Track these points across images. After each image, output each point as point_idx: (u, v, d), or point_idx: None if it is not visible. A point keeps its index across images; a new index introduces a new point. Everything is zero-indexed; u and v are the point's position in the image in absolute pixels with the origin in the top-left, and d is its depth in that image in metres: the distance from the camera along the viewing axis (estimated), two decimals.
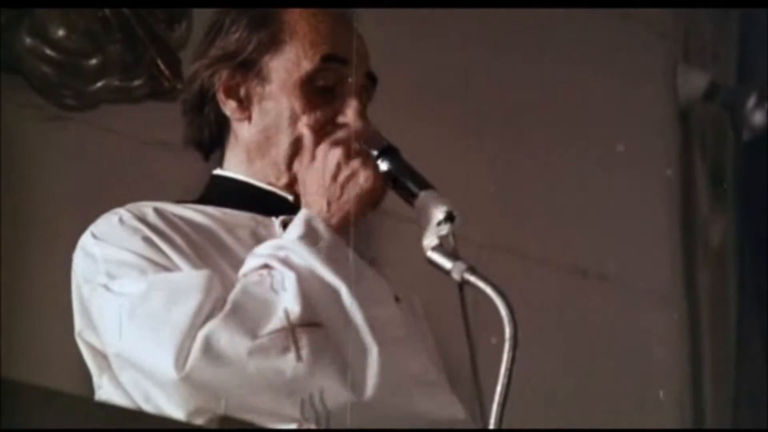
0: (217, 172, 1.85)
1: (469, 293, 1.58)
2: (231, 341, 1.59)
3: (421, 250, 1.63)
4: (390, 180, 1.72)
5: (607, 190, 3.18)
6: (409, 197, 1.69)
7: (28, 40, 2.35)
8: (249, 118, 1.82)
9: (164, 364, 1.59)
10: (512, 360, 1.50)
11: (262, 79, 1.81)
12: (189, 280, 1.65)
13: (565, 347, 2.96)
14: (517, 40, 3.04)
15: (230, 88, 1.82)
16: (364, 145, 1.74)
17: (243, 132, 1.82)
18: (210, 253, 1.72)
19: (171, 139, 2.30)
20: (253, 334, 1.60)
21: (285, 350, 1.59)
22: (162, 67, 2.45)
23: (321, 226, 1.69)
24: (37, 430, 1.16)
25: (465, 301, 1.58)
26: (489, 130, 2.97)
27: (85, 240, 1.73)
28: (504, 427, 1.48)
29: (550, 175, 3.07)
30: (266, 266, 1.66)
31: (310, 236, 1.68)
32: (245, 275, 1.67)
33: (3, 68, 2.33)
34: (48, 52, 2.37)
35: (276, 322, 1.61)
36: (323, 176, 1.73)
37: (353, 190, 1.71)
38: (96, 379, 1.72)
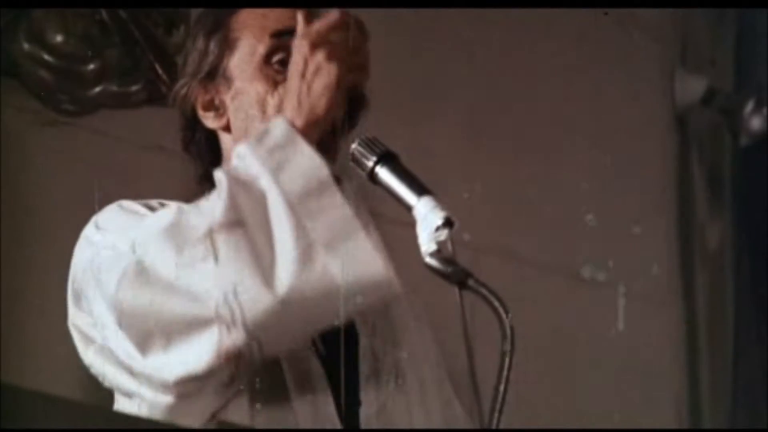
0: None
1: (467, 298, 1.59)
2: (160, 258, 1.63)
3: (419, 255, 1.63)
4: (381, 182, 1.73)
5: (605, 195, 3.18)
6: (408, 203, 1.70)
7: (25, 45, 2.35)
8: (228, 126, 1.85)
9: (110, 281, 1.65)
10: (510, 364, 1.50)
11: (228, 81, 1.84)
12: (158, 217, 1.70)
13: (563, 351, 2.96)
14: (515, 44, 3.04)
15: (206, 102, 1.86)
16: (361, 147, 1.74)
17: (226, 139, 1.85)
18: None
19: (169, 144, 2.31)
20: (180, 248, 1.63)
21: (204, 257, 1.61)
22: (160, 71, 2.45)
23: (279, 130, 1.69)
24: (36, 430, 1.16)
25: (463, 306, 1.58)
26: (486, 134, 2.97)
27: (88, 230, 1.77)
28: None
29: (547, 178, 3.07)
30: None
31: (263, 141, 1.68)
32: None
33: (1, 73, 2.33)
34: (46, 57, 2.37)
35: (200, 227, 1.63)
36: (294, 77, 1.73)
37: (320, 84, 1.71)
38: (82, 352, 1.75)
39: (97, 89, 2.41)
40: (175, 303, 1.62)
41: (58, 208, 2.25)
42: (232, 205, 1.63)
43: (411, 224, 1.67)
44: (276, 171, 1.64)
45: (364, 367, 1.80)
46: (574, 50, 3.15)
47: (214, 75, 1.84)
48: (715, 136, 3.56)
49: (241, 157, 1.69)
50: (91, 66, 2.41)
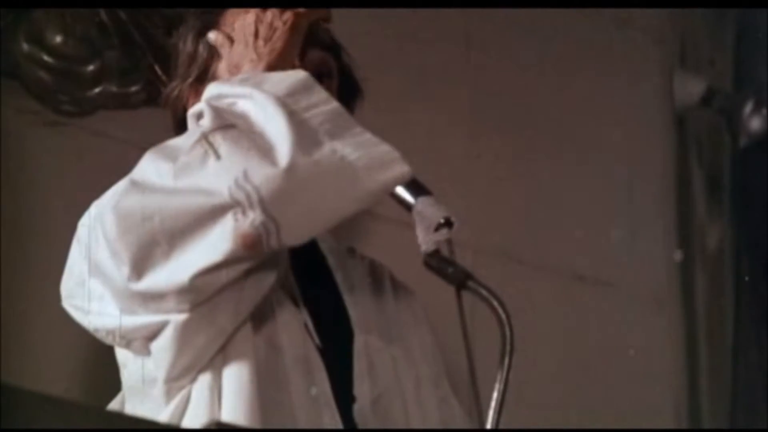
0: None
1: (467, 299, 1.59)
2: (156, 170, 1.61)
3: (418, 255, 1.63)
4: None
5: (604, 195, 3.18)
6: (407, 203, 1.70)
7: (25, 46, 2.36)
8: None
9: (107, 204, 1.64)
10: (509, 365, 1.50)
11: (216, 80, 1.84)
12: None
13: (562, 352, 2.96)
14: (514, 44, 3.04)
15: (195, 105, 1.85)
16: None
17: None
18: None
19: None
20: (174, 159, 1.61)
21: (204, 156, 1.59)
22: (159, 73, 2.45)
23: (243, 74, 1.71)
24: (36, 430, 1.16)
25: (462, 306, 1.58)
26: (486, 134, 2.97)
27: (85, 215, 1.75)
28: None
29: (547, 179, 3.07)
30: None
31: (231, 79, 1.71)
32: None
33: (1, 74, 2.33)
34: (45, 58, 2.37)
35: (191, 139, 1.62)
36: (245, 38, 1.76)
37: (278, 33, 1.75)
38: (88, 324, 1.72)
39: (97, 90, 2.41)
40: (182, 201, 1.58)
41: (57, 208, 2.25)
42: (219, 115, 1.63)
43: (410, 224, 1.67)
44: (256, 85, 1.65)
45: (358, 363, 1.80)
46: (573, 51, 3.15)
47: (203, 78, 1.85)
48: (715, 137, 3.56)
49: (214, 95, 1.68)
50: (91, 67, 2.41)
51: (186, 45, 1.88)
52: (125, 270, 1.60)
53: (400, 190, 1.70)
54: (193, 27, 1.89)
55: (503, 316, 1.52)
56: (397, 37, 2.75)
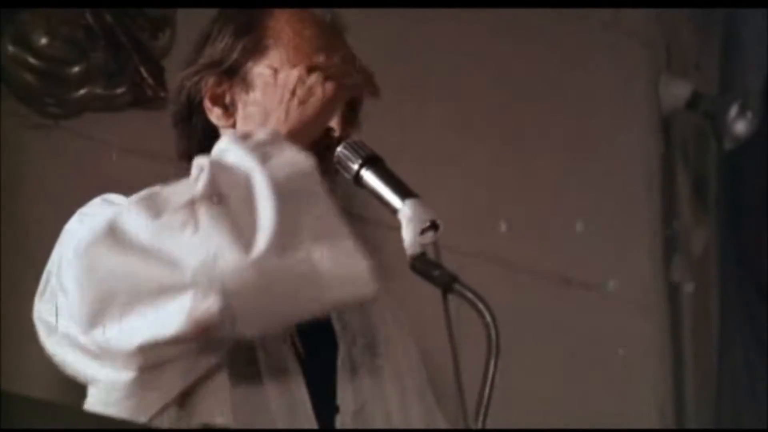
0: None
1: (453, 301, 1.59)
2: (135, 222, 1.59)
3: (404, 258, 1.63)
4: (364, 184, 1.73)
5: (591, 199, 3.19)
6: (393, 206, 1.69)
7: (10, 48, 2.35)
8: (233, 126, 1.83)
9: (74, 242, 1.61)
10: (495, 368, 1.50)
11: (247, 85, 1.82)
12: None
13: (548, 354, 2.96)
14: (501, 48, 3.05)
15: (216, 95, 1.83)
16: (346, 150, 1.74)
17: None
18: None
19: (154, 148, 2.30)
20: (157, 215, 1.59)
21: (184, 225, 1.58)
22: (145, 75, 2.45)
23: (263, 133, 1.69)
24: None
25: (448, 309, 1.58)
26: (473, 138, 2.97)
27: (71, 221, 1.74)
28: None
29: (534, 182, 3.08)
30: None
31: (246, 139, 1.68)
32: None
33: None
34: (30, 60, 2.36)
35: (179, 199, 1.60)
36: (282, 94, 1.75)
37: (314, 100, 1.74)
38: (48, 345, 1.70)
39: (82, 92, 2.41)
40: (147, 267, 1.56)
41: (42, 210, 2.24)
42: (214, 181, 1.61)
43: (396, 227, 1.67)
44: (261, 160, 1.63)
45: (342, 374, 1.79)
46: (560, 54, 3.15)
47: (233, 72, 1.83)
48: (700, 140, 3.57)
49: (224, 150, 1.67)
50: (76, 69, 2.41)
51: (222, 36, 1.84)
52: (82, 319, 1.61)
53: (387, 193, 1.70)
54: (235, 21, 1.86)
55: (489, 318, 1.52)
56: (388, 39, 2.74)
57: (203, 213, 1.57)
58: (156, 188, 1.64)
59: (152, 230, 1.58)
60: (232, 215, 1.58)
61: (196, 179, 1.63)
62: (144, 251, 1.57)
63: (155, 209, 1.60)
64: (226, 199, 1.60)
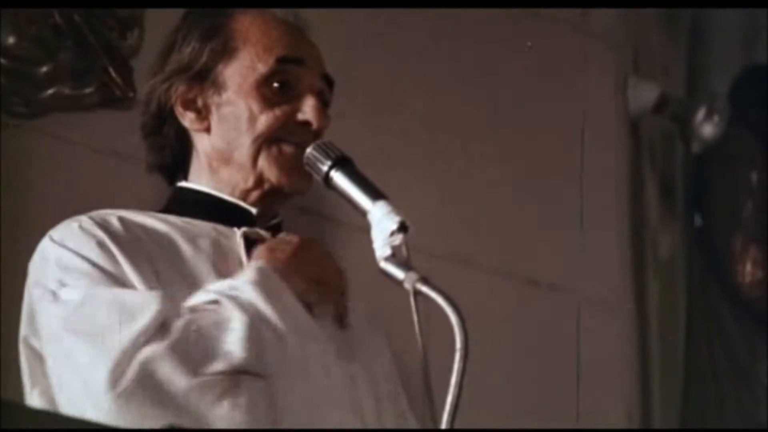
0: (182, 184, 1.86)
1: (422, 303, 1.59)
2: (172, 374, 1.58)
3: (374, 259, 1.63)
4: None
5: (558, 201, 3.20)
6: (362, 207, 1.70)
7: None
8: (208, 129, 1.83)
9: (98, 378, 1.58)
10: (463, 370, 1.50)
11: (218, 87, 1.82)
12: (141, 301, 1.64)
13: (516, 355, 2.97)
14: (469, 50, 3.05)
15: (187, 100, 1.83)
16: (316, 151, 1.75)
17: (203, 143, 1.83)
18: (166, 265, 1.71)
19: (123, 148, 2.30)
20: (194, 372, 1.59)
21: (223, 395, 1.59)
22: (114, 75, 2.44)
23: (274, 276, 1.70)
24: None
25: (418, 311, 1.58)
26: (440, 139, 2.98)
27: (43, 244, 1.73)
28: None
29: (502, 185, 3.09)
30: (215, 302, 1.66)
31: (263, 283, 1.68)
32: (194, 309, 1.65)
33: None
34: None
35: (218, 364, 1.60)
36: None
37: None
38: (27, 389, 1.71)
39: (50, 92, 2.40)
40: (179, 419, 1.56)
41: (9, 211, 2.23)
42: (252, 350, 1.63)
43: (366, 229, 1.67)
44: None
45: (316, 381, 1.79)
46: (528, 56, 3.16)
47: (203, 77, 1.82)
48: (668, 143, 3.59)
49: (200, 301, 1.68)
50: (44, 68, 2.40)
51: (189, 41, 1.83)
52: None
53: (356, 195, 1.70)
54: (200, 26, 1.85)
55: (457, 320, 1.52)
56: (353, 45, 2.75)
57: (243, 388, 1.60)
58: (182, 330, 1.62)
59: (190, 387, 1.59)
60: (271, 395, 1.63)
61: (227, 327, 1.63)
62: (179, 406, 1.58)
63: (191, 362, 1.60)
64: (264, 375, 1.63)
